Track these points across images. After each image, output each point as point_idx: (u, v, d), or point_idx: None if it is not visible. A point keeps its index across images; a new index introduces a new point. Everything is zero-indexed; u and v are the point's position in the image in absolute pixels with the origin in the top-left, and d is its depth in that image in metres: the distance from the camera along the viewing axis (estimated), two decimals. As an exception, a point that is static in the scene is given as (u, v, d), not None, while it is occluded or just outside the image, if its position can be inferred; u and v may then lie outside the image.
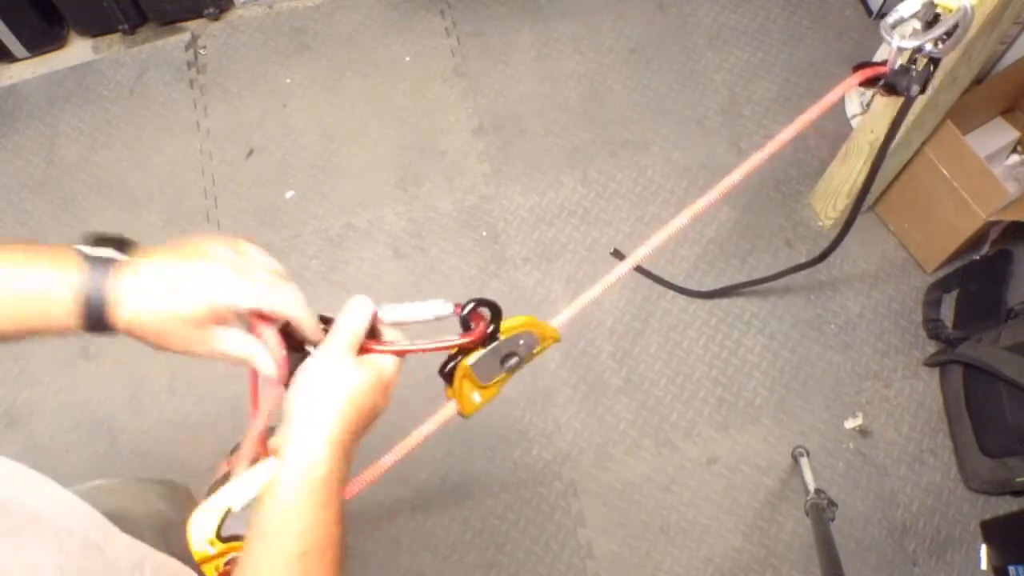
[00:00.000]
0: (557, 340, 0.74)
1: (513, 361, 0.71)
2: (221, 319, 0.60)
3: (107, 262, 0.57)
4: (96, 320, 0.56)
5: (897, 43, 0.93)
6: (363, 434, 0.64)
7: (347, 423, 0.61)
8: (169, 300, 0.58)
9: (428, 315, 0.67)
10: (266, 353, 0.63)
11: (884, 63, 0.97)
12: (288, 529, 0.57)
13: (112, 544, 0.56)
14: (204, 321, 0.59)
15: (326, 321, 0.66)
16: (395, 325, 0.68)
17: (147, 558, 0.59)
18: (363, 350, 0.64)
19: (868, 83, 0.98)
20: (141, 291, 0.57)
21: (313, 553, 0.56)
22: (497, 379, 0.70)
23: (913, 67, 0.96)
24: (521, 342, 0.71)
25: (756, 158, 0.83)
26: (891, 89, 0.99)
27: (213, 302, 0.59)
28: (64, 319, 0.56)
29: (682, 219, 0.80)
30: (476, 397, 0.70)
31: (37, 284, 0.55)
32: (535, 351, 0.72)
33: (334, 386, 0.61)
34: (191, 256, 0.60)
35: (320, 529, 0.58)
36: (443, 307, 0.67)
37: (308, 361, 0.64)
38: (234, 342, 0.62)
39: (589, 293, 0.79)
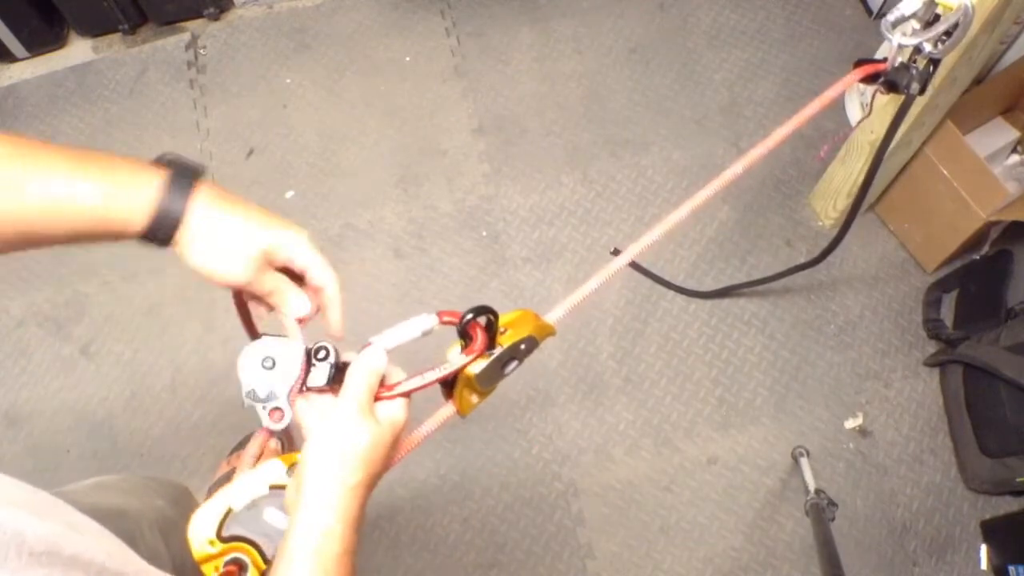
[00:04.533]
0: (553, 334, 0.74)
1: (513, 365, 0.71)
2: (269, 262, 0.65)
3: (187, 179, 0.61)
4: (165, 232, 0.61)
5: (898, 40, 0.94)
6: (376, 483, 0.64)
7: (361, 486, 0.61)
8: (234, 229, 0.63)
9: (416, 333, 0.68)
10: (300, 294, 0.67)
11: (884, 60, 0.97)
12: None
13: (129, 571, 0.56)
14: (259, 255, 0.64)
15: (341, 369, 0.66)
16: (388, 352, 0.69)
17: None
18: (375, 398, 0.65)
19: (868, 79, 0.98)
20: (215, 209, 0.62)
21: None
22: (493, 385, 0.71)
23: (913, 65, 0.97)
24: (523, 347, 0.71)
25: (757, 151, 0.83)
26: (891, 86, 0.99)
27: (276, 242, 0.64)
28: (135, 227, 0.60)
29: (682, 212, 0.80)
30: (474, 398, 0.70)
31: (124, 196, 0.59)
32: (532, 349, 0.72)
33: (351, 448, 0.61)
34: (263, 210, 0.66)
35: None
36: (427, 320, 0.68)
37: (323, 421, 0.63)
38: (274, 278, 0.66)
39: (587, 286, 0.79)
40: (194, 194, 0.62)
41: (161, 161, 0.63)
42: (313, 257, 0.67)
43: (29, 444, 1.75)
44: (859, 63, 0.97)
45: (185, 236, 0.62)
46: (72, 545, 0.45)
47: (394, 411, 0.65)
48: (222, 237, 0.63)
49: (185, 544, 0.63)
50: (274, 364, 0.65)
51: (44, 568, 0.40)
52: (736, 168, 0.82)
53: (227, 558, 0.62)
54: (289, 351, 0.65)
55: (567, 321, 0.78)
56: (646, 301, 1.85)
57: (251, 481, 0.65)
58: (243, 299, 0.71)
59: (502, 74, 2.13)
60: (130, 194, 0.59)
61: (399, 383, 0.66)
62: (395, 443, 0.65)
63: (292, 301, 0.67)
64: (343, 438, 0.61)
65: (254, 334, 0.72)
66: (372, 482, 0.63)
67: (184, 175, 0.62)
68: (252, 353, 0.66)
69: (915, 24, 0.97)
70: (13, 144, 0.58)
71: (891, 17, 0.94)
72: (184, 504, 1.01)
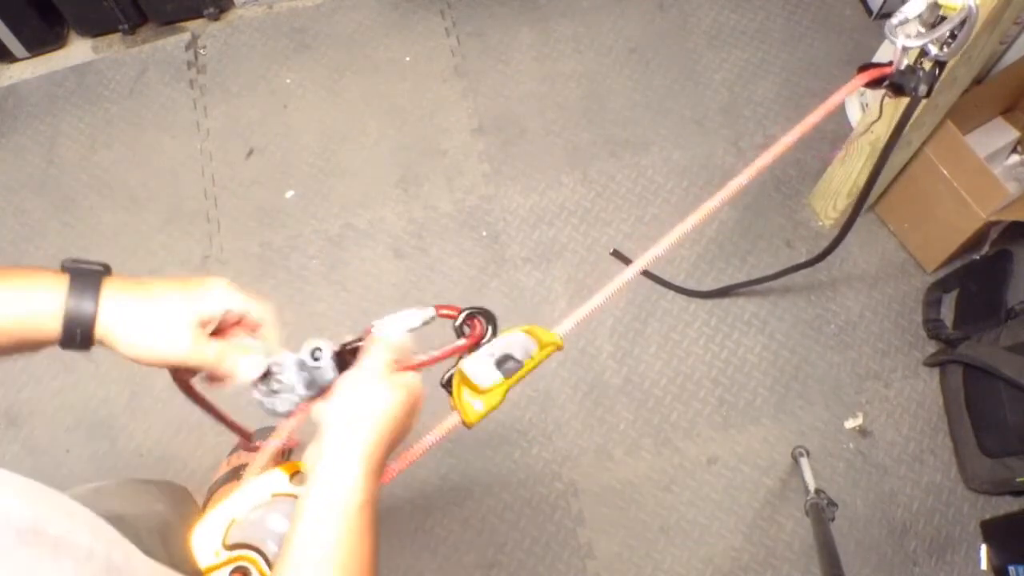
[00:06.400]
0: (559, 347, 0.74)
1: (510, 365, 0.70)
2: (203, 326, 0.64)
3: (92, 278, 0.60)
4: (82, 334, 0.60)
5: (902, 42, 0.93)
6: (392, 453, 0.66)
7: (381, 444, 0.62)
8: (158, 306, 0.62)
9: (415, 322, 0.69)
10: (246, 353, 0.67)
11: (889, 64, 0.97)
12: (320, 555, 0.56)
13: (133, 566, 0.56)
14: (194, 321, 0.63)
15: (351, 347, 0.68)
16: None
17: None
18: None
19: (873, 84, 0.98)
20: (128, 302, 0.61)
21: None
22: (496, 385, 0.70)
23: (920, 67, 0.96)
24: (517, 345, 0.70)
25: (763, 159, 0.83)
26: (898, 90, 0.98)
27: (205, 303, 0.64)
28: (50, 334, 0.59)
29: (689, 224, 0.80)
30: (478, 405, 0.70)
31: (29, 303, 0.59)
32: (534, 356, 0.72)
33: (371, 407, 0.63)
34: (170, 280, 0.65)
35: (354, 559, 0.58)
36: (425, 311, 0.70)
37: (345, 379, 0.65)
38: (215, 346, 0.65)
39: (593, 300, 0.78)
40: (103, 290, 0.60)
41: (63, 267, 0.62)
42: (243, 300, 0.67)
43: (29, 444, 1.75)
44: (863, 67, 0.97)
45: (109, 330, 0.61)
46: (59, 527, 0.44)
47: (411, 378, 0.67)
48: (149, 317, 0.62)
49: (184, 547, 0.63)
50: (279, 385, 0.66)
51: (31, 548, 0.40)
52: (742, 178, 0.82)
53: (232, 567, 0.62)
54: (283, 365, 0.67)
55: (567, 321, 0.78)
56: (646, 301, 1.85)
57: (254, 489, 0.65)
58: (184, 378, 0.71)
59: (502, 74, 2.13)
60: (38, 300, 0.59)
61: (416, 356, 0.68)
62: (413, 409, 0.66)
63: (242, 364, 0.66)
64: (364, 398, 0.63)
65: (211, 411, 0.73)
66: (390, 444, 0.64)
67: (87, 276, 0.61)
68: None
69: (919, 27, 0.96)
70: None
71: (895, 20, 0.94)
72: (184, 506, 1.01)
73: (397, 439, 0.65)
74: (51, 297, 0.59)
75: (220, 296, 0.65)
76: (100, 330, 0.60)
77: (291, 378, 0.66)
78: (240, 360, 0.66)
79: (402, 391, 0.65)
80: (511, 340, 0.70)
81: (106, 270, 0.63)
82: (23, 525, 0.42)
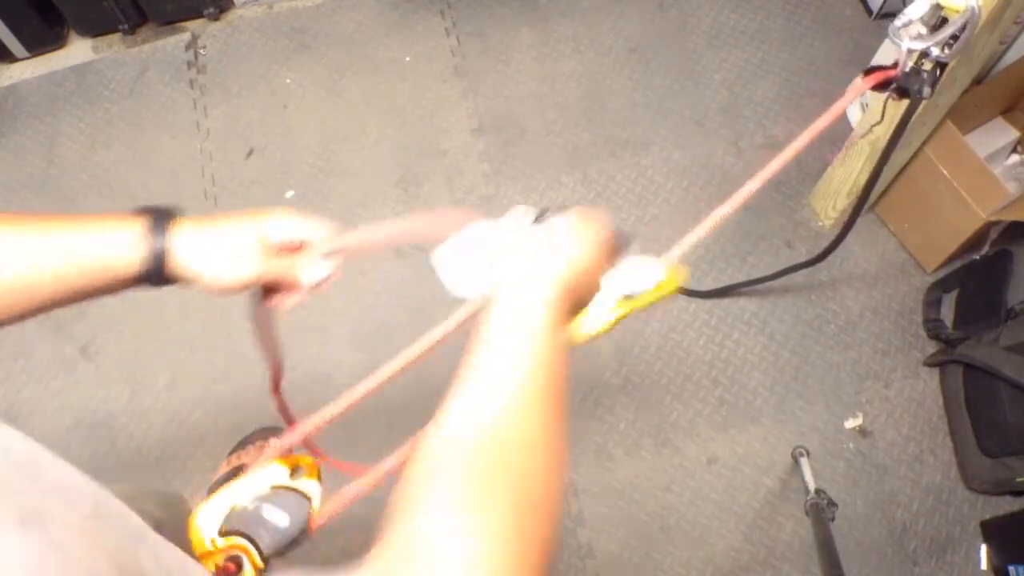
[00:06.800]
0: (678, 290, 0.73)
1: (639, 289, 0.70)
2: (268, 249, 0.68)
3: (165, 216, 0.64)
4: (159, 267, 0.63)
5: (907, 45, 0.93)
6: (572, 314, 0.61)
7: (568, 290, 0.57)
8: (226, 234, 0.66)
9: (649, 283, 0.69)
10: (312, 260, 0.70)
11: (893, 66, 0.97)
12: (499, 377, 0.50)
13: (115, 510, 0.57)
14: (258, 244, 0.67)
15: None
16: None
17: (146, 530, 0.59)
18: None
19: (879, 87, 0.98)
20: (199, 235, 0.65)
21: (530, 411, 0.49)
22: (620, 305, 0.70)
23: (923, 69, 0.96)
24: (638, 270, 0.70)
25: (773, 165, 0.83)
26: (903, 92, 0.98)
27: (267, 226, 0.68)
28: (132, 268, 0.62)
29: (701, 231, 0.81)
30: (596, 324, 0.69)
31: (105, 244, 0.62)
32: (651, 291, 0.71)
33: (557, 253, 0.59)
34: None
35: (538, 381, 0.50)
36: (657, 269, 0.69)
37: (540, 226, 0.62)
38: (281, 260, 0.68)
39: (695, 232, 0.79)
40: (176, 227, 0.64)
41: (137, 210, 0.66)
42: (306, 223, 0.70)
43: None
44: (869, 71, 0.97)
45: (184, 263, 0.64)
46: (54, 468, 0.47)
47: (605, 231, 0.64)
48: (220, 246, 0.65)
49: (177, 543, 0.63)
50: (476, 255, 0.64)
51: (28, 482, 0.41)
52: (752, 185, 0.83)
53: (228, 555, 0.62)
54: (476, 235, 0.65)
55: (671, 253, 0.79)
56: (646, 301, 1.84)
57: (254, 480, 0.65)
58: (263, 314, 0.72)
59: (502, 74, 2.12)
60: (119, 241, 0.62)
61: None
62: (598, 268, 0.63)
63: (309, 269, 0.70)
64: (550, 241, 0.60)
65: (274, 361, 0.75)
66: (577, 299, 0.59)
67: (162, 215, 0.65)
68: (450, 261, 0.65)
69: (922, 28, 0.96)
70: (9, 222, 0.60)
71: (898, 22, 0.94)
72: (173, 507, 1.01)
73: (583, 297, 0.61)
74: (131, 237, 0.62)
75: (282, 221, 0.69)
76: (176, 263, 0.64)
77: (487, 242, 0.64)
78: (307, 266, 0.69)
79: (597, 241, 0.62)
80: (633, 265, 0.70)
81: (177, 210, 0.66)
82: (21, 458, 0.43)
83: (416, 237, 0.70)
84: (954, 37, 0.93)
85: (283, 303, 0.72)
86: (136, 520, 0.52)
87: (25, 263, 0.59)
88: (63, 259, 0.60)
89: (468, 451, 0.46)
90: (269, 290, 0.71)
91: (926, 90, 0.97)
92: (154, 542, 0.52)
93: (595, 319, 0.69)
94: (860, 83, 0.94)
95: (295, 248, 0.70)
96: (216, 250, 0.65)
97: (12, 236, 0.60)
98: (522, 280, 0.57)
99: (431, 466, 0.47)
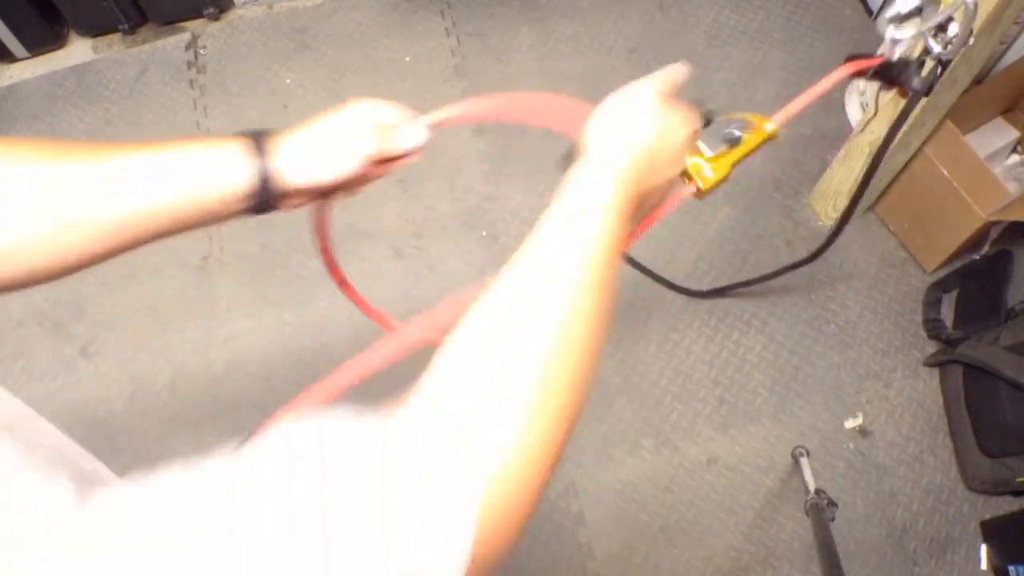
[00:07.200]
0: (773, 137, 0.74)
1: (732, 138, 0.71)
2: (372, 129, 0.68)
3: (262, 137, 0.64)
4: (268, 186, 0.63)
5: (891, 34, 0.93)
6: (643, 206, 0.58)
7: (639, 168, 0.54)
8: (329, 124, 0.66)
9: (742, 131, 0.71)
10: (407, 125, 0.70)
11: (880, 56, 0.96)
12: (546, 266, 0.48)
13: (103, 477, 0.58)
14: (364, 121, 0.67)
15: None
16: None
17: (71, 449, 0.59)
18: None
19: (861, 74, 0.98)
20: (299, 143, 0.65)
21: (572, 308, 0.46)
22: (723, 153, 0.70)
23: (913, 60, 0.96)
24: (735, 124, 0.72)
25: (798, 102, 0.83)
26: (888, 80, 0.98)
27: (362, 107, 0.68)
28: (236, 196, 0.61)
29: (810, 95, 0.81)
30: (708, 172, 0.70)
31: (209, 165, 0.61)
32: (751, 136, 0.72)
33: (634, 134, 0.56)
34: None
35: (583, 317, 0.46)
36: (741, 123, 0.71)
37: (615, 96, 0.61)
38: (376, 132, 0.68)
39: (807, 94, 0.79)
40: (274, 143, 0.64)
41: (238, 135, 0.65)
42: (391, 106, 0.70)
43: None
44: (851, 57, 0.97)
45: (293, 176, 0.63)
46: (32, 428, 0.48)
47: (692, 119, 0.61)
48: (323, 147, 0.65)
49: None
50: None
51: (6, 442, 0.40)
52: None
53: None
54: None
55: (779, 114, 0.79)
56: (646, 301, 1.85)
57: None
58: (326, 211, 0.74)
59: (502, 74, 2.12)
60: (227, 161, 0.62)
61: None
62: (678, 157, 0.60)
63: (404, 133, 0.70)
64: (629, 118, 0.57)
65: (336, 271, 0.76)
66: (645, 190, 0.56)
67: (258, 135, 0.64)
68: None
69: (910, 17, 0.96)
70: (107, 150, 0.57)
71: (888, 12, 0.94)
72: None
73: (655, 186, 0.57)
74: (234, 156, 0.62)
75: (370, 106, 0.68)
76: (284, 181, 0.64)
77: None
78: (401, 130, 0.70)
79: (679, 122, 0.59)
80: (729, 121, 0.72)
81: (271, 130, 0.66)
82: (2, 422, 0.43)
83: (507, 116, 0.71)
84: (941, 28, 0.93)
85: (385, 171, 0.73)
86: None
87: (135, 193, 0.56)
88: (172, 188, 0.58)
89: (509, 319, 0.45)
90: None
91: (915, 81, 0.96)
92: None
93: (711, 169, 0.69)
94: (840, 69, 0.94)
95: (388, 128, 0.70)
96: (322, 152, 0.65)
97: (116, 165, 0.56)
98: (586, 180, 0.53)
99: (480, 326, 0.46)
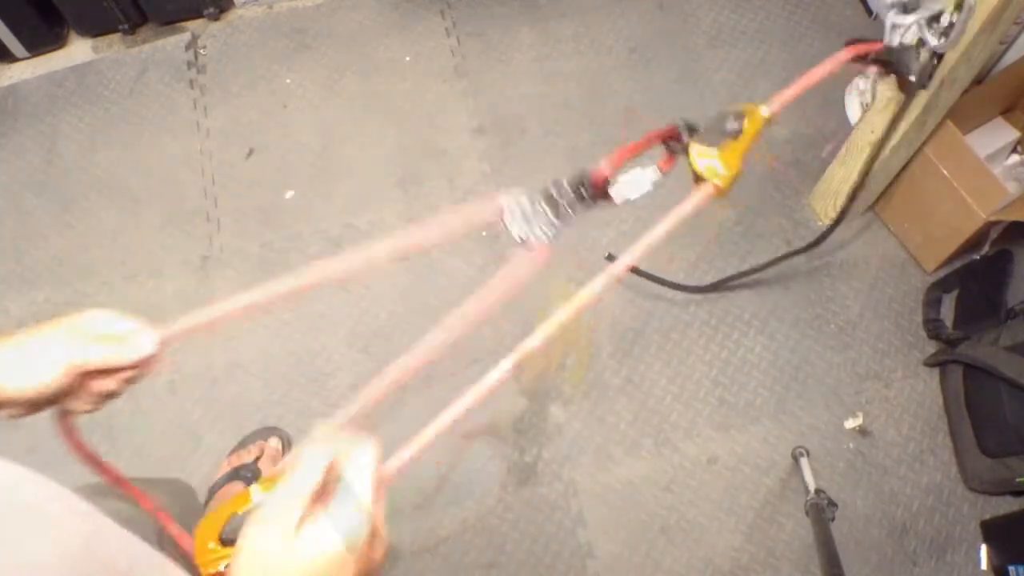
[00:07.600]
0: (768, 121, 0.76)
1: (734, 128, 0.71)
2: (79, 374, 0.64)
3: None
4: None
5: (892, 20, 0.94)
6: None
7: None
8: (36, 338, 0.63)
9: (648, 186, 0.71)
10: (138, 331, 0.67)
11: (879, 41, 0.97)
12: None
13: (109, 542, 0.56)
14: (75, 330, 0.64)
15: (584, 189, 0.68)
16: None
17: (143, 558, 0.59)
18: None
19: (862, 59, 0.98)
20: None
21: None
22: (728, 144, 0.70)
23: (912, 48, 0.96)
24: (730, 118, 0.72)
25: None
26: (887, 67, 0.98)
27: (71, 362, 0.64)
28: None
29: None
30: (720, 167, 0.69)
31: None
32: (749, 124, 0.73)
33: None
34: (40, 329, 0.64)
35: None
36: (649, 171, 0.72)
37: (250, 528, 0.47)
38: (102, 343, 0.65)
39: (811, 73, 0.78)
40: None
41: None
42: (125, 319, 0.66)
43: (29, 444, 1.75)
44: (852, 41, 0.97)
45: None
46: (35, 493, 0.49)
47: (355, 526, 0.47)
48: (31, 349, 0.63)
49: (178, 541, 0.63)
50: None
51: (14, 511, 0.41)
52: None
53: (223, 564, 0.62)
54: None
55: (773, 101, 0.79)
56: (646, 301, 1.85)
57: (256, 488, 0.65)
58: (68, 422, 0.70)
59: (502, 74, 2.12)
60: None
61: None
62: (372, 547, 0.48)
63: (138, 340, 0.67)
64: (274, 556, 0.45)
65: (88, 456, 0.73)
66: None
67: None
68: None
69: (909, 7, 0.96)
70: None
71: (888, 0, 0.94)
72: (184, 499, 1.01)
73: None
74: None
75: (86, 317, 0.65)
76: None
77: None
78: (134, 338, 0.66)
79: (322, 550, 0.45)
80: (723, 116, 0.71)
81: None
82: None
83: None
84: (935, 19, 0.93)
85: (102, 391, 0.68)
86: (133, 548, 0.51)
87: None
88: None
89: None
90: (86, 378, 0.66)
91: (914, 67, 0.96)
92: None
93: (720, 162, 0.69)
94: (840, 53, 0.94)
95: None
96: (24, 362, 0.61)
97: None
98: None
99: None
